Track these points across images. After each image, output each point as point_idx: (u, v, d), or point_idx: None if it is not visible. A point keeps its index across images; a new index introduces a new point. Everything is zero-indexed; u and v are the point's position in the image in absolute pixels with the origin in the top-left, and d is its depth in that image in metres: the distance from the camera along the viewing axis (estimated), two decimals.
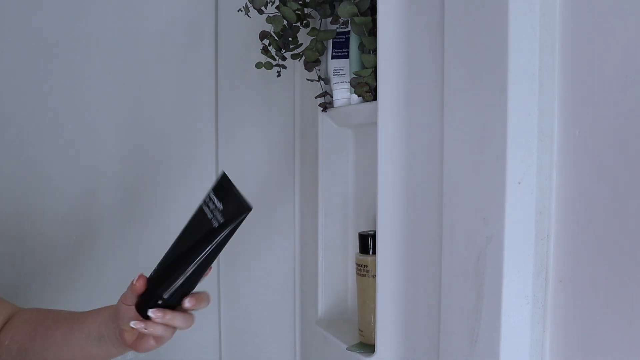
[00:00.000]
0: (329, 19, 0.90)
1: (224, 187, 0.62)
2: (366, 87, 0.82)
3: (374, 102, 0.80)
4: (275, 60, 0.92)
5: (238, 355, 1.16)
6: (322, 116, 0.97)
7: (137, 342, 0.66)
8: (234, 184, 0.62)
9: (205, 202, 0.62)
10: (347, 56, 0.89)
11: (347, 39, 0.89)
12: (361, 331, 0.88)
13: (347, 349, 0.86)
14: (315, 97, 0.96)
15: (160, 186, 1.08)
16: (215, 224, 0.60)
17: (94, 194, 1.03)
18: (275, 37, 0.91)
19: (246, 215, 0.60)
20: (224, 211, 0.60)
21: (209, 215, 0.61)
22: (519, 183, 0.56)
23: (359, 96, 0.86)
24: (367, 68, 0.82)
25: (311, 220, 1.08)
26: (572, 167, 0.56)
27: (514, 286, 0.57)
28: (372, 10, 0.80)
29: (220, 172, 0.64)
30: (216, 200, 0.61)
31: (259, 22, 0.93)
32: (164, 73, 1.08)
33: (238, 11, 0.91)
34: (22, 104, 0.98)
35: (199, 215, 0.62)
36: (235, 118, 1.13)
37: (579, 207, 0.55)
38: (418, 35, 0.71)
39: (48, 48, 0.99)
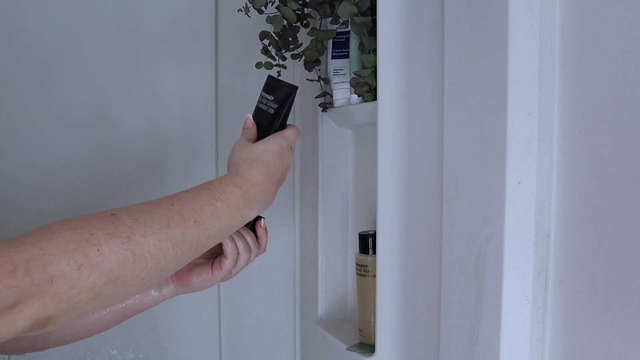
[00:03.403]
0: (329, 19, 0.90)
1: (271, 85, 0.71)
2: (366, 87, 0.82)
3: (374, 102, 0.80)
4: (275, 60, 0.92)
5: (238, 355, 1.16)
6: (322, 116, 0.97)
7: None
8: (279, 78, 0.71)
9: (259, 102, 0.72)
10: (347, 56, 0.89)
11: (347, 39, 0.89)
12: (361, 331, 0.88)
13: (347, 349, 0.86)
14: (315, 97, 0.96)
15: (160, 186, 1.08)
16: (271, 111, 0.70)
17: (93, 194, 1.03)
18: (275, 37, 0.91)
19: (294, 94, 0.69)
20: (275, 99, 0.70)
21: (264, 108, 0.71)
22: (519, 183, 0.56)
23: (359, 96, 0.86)
24: (367, 68, 0.82)
25: (311, 220, 1.08)
26: (572, 167, 0.56)
27: (514, 286, 0.57)
28: (372, 10, 0.80)
29: (267, 77, 0.72)
30: (267, 95, 0.71)
31: (259, 22, 0.93)
32: (164, 73, 1.08)
33: (238, 11, 0.91)
34: (23, 103, 0.98)
35: (257, 112, 0.72)
36: (235, 118, 1.13)
37: (579, 207, 0.55)
38: (418, 35, 0.71)
39: (48, 48, 0.99)
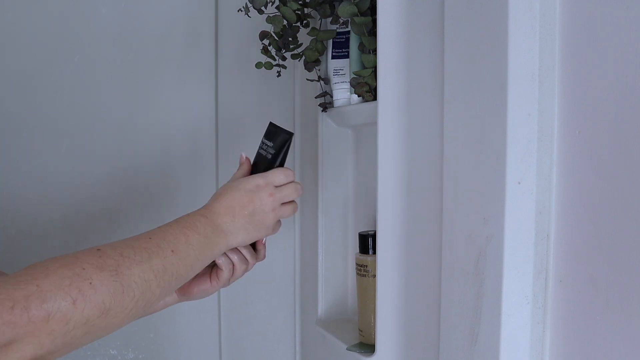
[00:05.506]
0: (329, 19, 0.90)
1: (271, 132, 0.76)
2: (366, 87, 0.82)
3: (374, 102, 0.80)
4: (275, 60, 0.92)
5: (238, 355, 1.16)
6: (322, 116, 0.97)
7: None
8: (278, 125, 0.76)
9: (260, 147, 0.77)
10: (347, 56, 0.89)
11: (347, 39, 0.89)
12: (361, 331, 0.88)
13: (347, 349, 0.86)
14: (315, 97, 0.96)
15: (160, 186, 1.08)
16: (269, 156, 0.75)
17: (93, 195, 1.03)
18: (275, 37, 0.91)
19: (290, 140, 0.74)
20: (273, 146, 0.75)
21: (264, 153, 0.76)
22: (519, 183, 0.56)
23: (359, 96, 0.86)
24: (367, 68, 0.82)
25: (311, 220, 1.08)
26: (572, 167, 0.56)
27: (514, 286, 0.57)
28: (372, 10, 0.80)
29: (268, 123, 0.77)
30: (267, 142, 0.76)
31: (259, 22, 0.93)
32: (164, 73, 1.08)
33: (238, 11, 0.91)
34: (21, 105, 0.98)
35: (258, 158, 0.77)
36: (235, 118, 1.13)
37: (579, 207, 0.55)
38: (418, 35, 0.71)
39: (48, 48, 0.99)
